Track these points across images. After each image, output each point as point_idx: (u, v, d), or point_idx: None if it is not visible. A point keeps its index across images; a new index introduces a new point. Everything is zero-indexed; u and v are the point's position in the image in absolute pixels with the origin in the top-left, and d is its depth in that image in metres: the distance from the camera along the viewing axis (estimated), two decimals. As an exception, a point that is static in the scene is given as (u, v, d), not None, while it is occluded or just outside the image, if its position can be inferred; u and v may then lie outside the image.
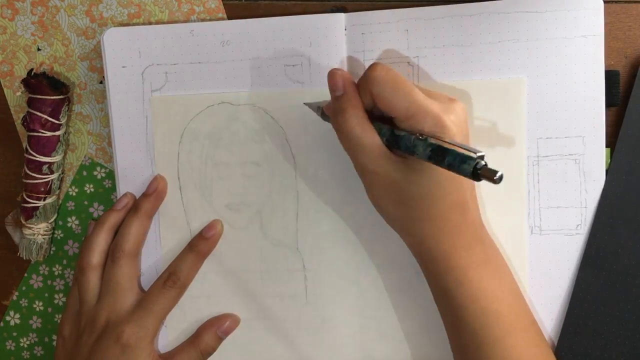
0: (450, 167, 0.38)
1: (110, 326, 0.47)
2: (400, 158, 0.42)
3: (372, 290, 0.50)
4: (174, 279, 0.49)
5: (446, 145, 0.39)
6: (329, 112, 0.45)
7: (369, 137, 0.42)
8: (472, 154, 0.37)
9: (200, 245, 0.50)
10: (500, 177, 0.36)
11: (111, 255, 0.49)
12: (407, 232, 0.44)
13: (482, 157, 0.37)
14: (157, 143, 0.50)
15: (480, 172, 0.36)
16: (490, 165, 0.36)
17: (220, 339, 0.50)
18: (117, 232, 0.50)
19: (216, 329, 0.50)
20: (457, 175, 0.38)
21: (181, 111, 0.50)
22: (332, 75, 0.44)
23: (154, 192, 0.50)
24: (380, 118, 0.43)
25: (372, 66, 0.42)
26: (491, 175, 0.36)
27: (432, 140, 0.39)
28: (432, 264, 0.43)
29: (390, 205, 0.43)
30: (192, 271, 0.50)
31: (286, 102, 0.49)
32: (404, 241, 0.45)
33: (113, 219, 0.50)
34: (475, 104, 0.47)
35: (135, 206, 0.50)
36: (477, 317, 0.42)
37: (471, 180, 0.40)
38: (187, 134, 0.50)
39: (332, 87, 0.44)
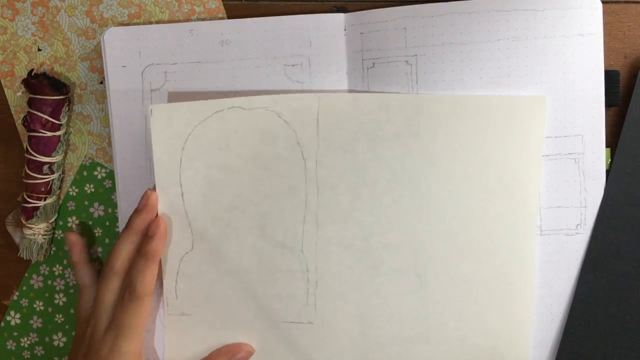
0: None
1: (94, 345, 0.46)
2: None
3: (374, 298, 0.49)
4: (130, 290, 0.46)
5: None
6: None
7: None
8: None
9: (145, 246, 0.47)
10: None
11: (101, 272, 0.48)
12: None
13: None
14: (157, 149, 0.49)
15: None
16: None
17: None
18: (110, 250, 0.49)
19: (230, 356, 0.50)
20: None
21: (185, 119, 0.49)
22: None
23: (144, 208, 0.48)
24: None
25: None
26: None
27: None
28: None
29: None
30: (145, 277, 0.46)
31: (299, 105, 0.48)
32: None
33: (139, 220, 0.48)
34: (491, 120, 0.47)
35: (127, 223, 0.49)
36: None
37: None
38: (190, 139, 0.49)
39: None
